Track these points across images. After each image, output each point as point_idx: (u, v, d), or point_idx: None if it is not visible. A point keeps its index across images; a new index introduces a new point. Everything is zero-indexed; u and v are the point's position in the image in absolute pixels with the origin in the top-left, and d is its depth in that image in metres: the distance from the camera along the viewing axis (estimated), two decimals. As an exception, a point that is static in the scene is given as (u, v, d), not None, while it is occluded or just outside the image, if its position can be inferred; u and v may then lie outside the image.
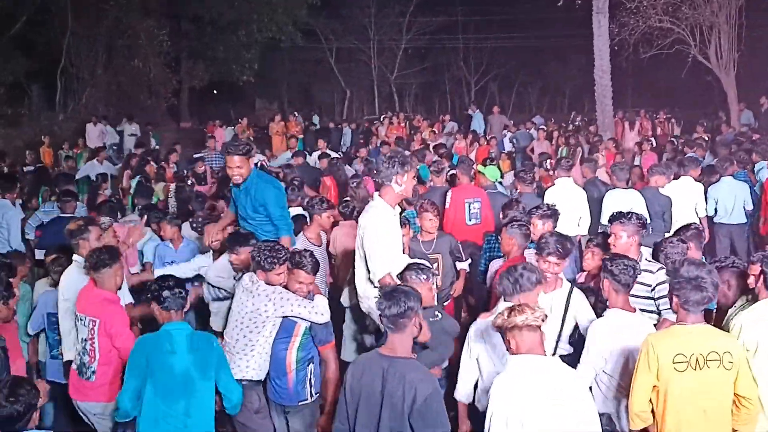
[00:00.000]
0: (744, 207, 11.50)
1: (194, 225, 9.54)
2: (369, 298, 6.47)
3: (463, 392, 5.85)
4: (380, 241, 6.41)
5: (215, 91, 38.03)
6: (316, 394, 6.15)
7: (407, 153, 6.94)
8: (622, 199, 10.18)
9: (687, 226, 7.53)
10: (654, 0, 22.70)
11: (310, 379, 6.10)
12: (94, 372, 6.15)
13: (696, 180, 11.50)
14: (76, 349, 6.38)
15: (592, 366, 5.45)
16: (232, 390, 5.52)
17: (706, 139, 18.24)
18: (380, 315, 4.80)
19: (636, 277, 5.72)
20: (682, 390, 4.67)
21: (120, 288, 6.47)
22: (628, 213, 6.70)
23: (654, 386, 4.76)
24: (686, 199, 11.05)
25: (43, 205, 11.75)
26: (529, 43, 38.66)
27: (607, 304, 5.68)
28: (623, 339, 5.40)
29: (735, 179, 11.64)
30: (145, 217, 9.21)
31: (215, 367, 5.39)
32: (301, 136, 24.34)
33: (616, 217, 6.67)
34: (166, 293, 5.33)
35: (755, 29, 24.59)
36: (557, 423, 4.36)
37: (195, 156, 17.47)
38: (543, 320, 4.56)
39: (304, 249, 6.55)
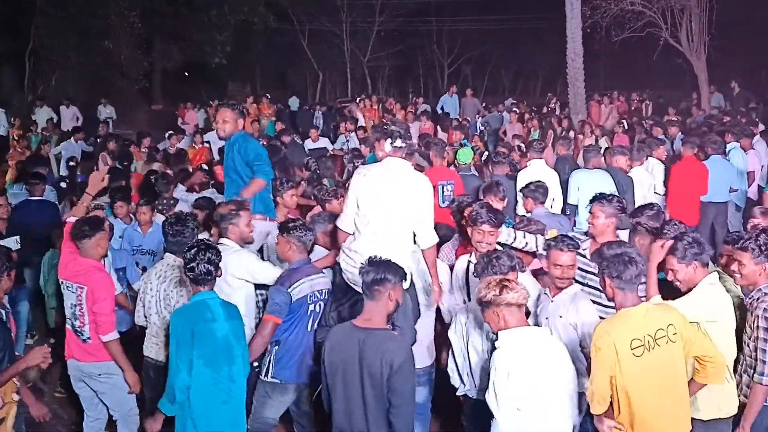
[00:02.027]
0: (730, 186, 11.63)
1: (160, 207, 9.42)
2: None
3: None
4: (432, 208, 6.20)
5: (187, 73, 37.75)
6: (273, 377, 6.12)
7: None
8: (587, 180, 10.27)
9: (648, 206, 7.50)
10: (626, -17, 22.82)
11: (269, 360, 6.12)
12: (88, 336, 6.34)
13: (662, 161, 11.58)
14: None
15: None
16: (247, 359, 5.61)
17: (676, 120, 18.36)
18: (361, 281, 4.96)
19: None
20: (640, 374, 4.64)
21: (105, 256, 6.84)
22: (611, 195, 6.68)
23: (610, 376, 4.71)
24: (648, 179, 11.17)
25: (12, 187, 11.63)
26: (502, 26, 38.77)
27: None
28: None
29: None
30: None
31: (243, 336, 5.52)
32: (273, 119, 24.19)
33: (598, 198, 6.61)
34: (197, 266, 5.27)
35: (726, 13, 24.75)
36: (554, 385, 4.67)
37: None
38: (526, 298, 4.77)
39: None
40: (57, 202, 11.10)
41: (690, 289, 5.26)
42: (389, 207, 6.01)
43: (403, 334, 5.84)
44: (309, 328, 6.15)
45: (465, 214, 7.20)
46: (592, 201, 6.67)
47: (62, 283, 6.49)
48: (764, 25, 30.42)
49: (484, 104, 26.50)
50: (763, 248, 5.25)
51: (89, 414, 6.75)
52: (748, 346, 5.24)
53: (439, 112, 23.83)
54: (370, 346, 4.78)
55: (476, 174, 11.44)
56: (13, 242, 8.27)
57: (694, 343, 4.78)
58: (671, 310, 4.85)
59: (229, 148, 7.70)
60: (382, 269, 4.91)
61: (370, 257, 5.10)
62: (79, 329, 6.37)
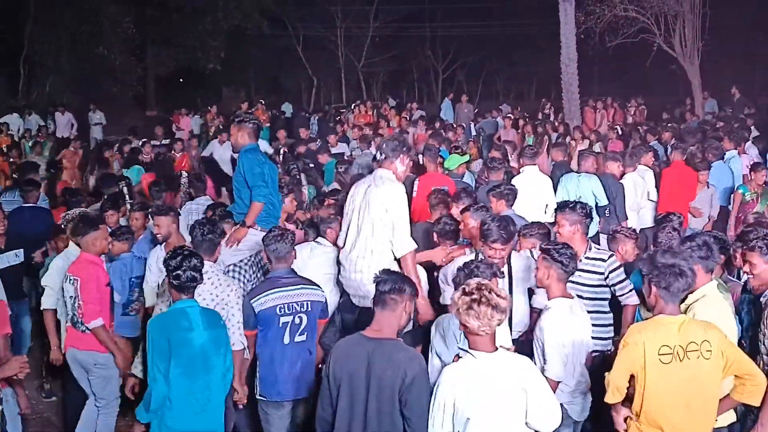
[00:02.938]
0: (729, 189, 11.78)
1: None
2: (362, 272, 6.34)
3: None
4: (406, 215, 6.36)
5: (181, 79, 37.72)
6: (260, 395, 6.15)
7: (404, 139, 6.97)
8: (573, 184, 10.43)
9: (537, 224, 7.55)
10: (620, -11, 22.89)
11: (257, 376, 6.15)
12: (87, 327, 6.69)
13: (650, 167, 11.70)
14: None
15: (559, 357, 5.44)
16: (230, 368, 5.53)
17: (671, 125, 18.42)
18: (375, 291, 4.82)
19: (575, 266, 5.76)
20: (666, 382, 4.62)
21: (106, 252, 7.20)
22: (572, 202, 6.76)
23: (631, 374, 4.71)
24: (641, 185, 11.22)
25: (5, 194, 11.59)
26: (496, 31, 38.74)
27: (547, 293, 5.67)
28: (573, 327, 5.48)
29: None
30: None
31: (225, 344, 5.44)
32: (267, 125, 24.18)
33: (561, 206, 6.73)
34: (184, 272, 5.24)
35: (719, 18, 24.83)
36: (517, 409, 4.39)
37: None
38: (490, 330, 4.40)
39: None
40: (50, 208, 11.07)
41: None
42: (360, 217, 6.23)
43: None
44: (287, 341, 6.01)
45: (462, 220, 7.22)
46: (556, 210, 6.80)
47: (66, 277, 6.87)
48: (756, 31, 30.58)
49: (477, 110, 26.55)
50: None
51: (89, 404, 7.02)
52: (765, 344, 5.22)
53: (444, 119, 23.83)
54: (379, 357, 4.61)
55: (469, 180, 11.45)
56: (13, 256, 8.26)
57: (735, 362, 4.73)
58: (712, 328, 4.78)
59: (237, 161, 7.79)
60: (399, 279, 4.84)
61: (385, 269, 5.08)
62: (78, 320, 6.72)
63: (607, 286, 6.40)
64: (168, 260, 5.32)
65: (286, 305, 5.99)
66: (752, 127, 17.79)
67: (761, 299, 5.36)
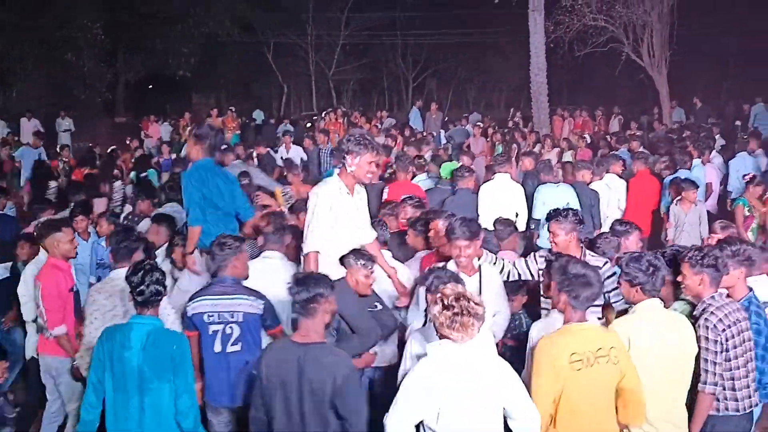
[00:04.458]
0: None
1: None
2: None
3: None
4: (318, 217, 6.26)
5: (151, 86, 37.48)
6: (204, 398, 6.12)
7: (372, 138, 6.65)
8: (552, 194, 10.35)
9: (620, 221, 7.65)
10: (589, -2, 23.09)
11: None
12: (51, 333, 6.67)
13: (619, 176, 11.76)
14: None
15: None
16: (184, 402, 5.08)
17: (639, 134, 18.59)
18: (293, 301, 4.85)
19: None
20: (578, 389, 4.70)
21: (74, 257, 7.14)
22: (564, 210, 6.67)
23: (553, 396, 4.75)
24: (606, 194, 11.30)
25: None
26: (467, 40, 38.92)
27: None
28: None
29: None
30: None
31: (172, 370, 5.05)
32: (238, 132, 24.16)
33: (552, 215, 6.65)
34: (147, 288, 5.10)
35: (687, 28, 25.13)
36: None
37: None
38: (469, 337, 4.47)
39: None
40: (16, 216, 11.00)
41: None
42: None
43: (364, 343, 5.96)
44: (218, 349, 5.86)
45: (431, 227, 7.26)
46: (548, 219, 6.72)
47: (34, 282, 6.85)
48: (724, 41, 30.97)
49: (446, 118, 26.62)
50: (699, 259, 5.34)
51: (50, 408, 7.08)
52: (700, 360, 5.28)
53: (413, 127, 23.85)
54: (310, 362, 4.67)
55: (441, 188, 11.45)
56: (1, 270, 8.24)
57: (625, 374, 4.82)
58: (615, 335, 4.92)
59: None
60: (312, 286, 4.82)
61: (295, 274, 5.08)
62: (43, 326, 6.71)
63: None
64: (130, 277, 5.17)
65: (216, 314, 5.85)
66: (717, 136, 18.05)
67: (694, 313, 5.41)
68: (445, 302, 4.42)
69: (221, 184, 7.32)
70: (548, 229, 6.73)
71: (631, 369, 4.86)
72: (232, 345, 5.89)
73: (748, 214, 10.45)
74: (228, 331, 5.88)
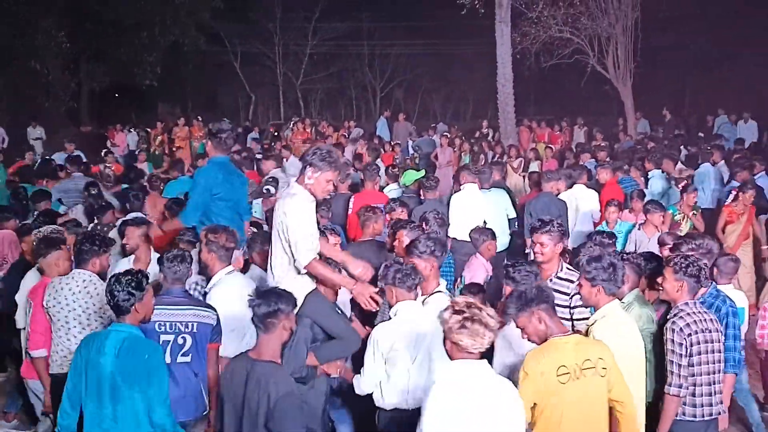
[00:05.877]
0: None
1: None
2: (281, 284, 6.02)
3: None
4: (303, 228, 6.09)
5: (116, 95, 37.16)
6: None
7: (337, 157, 6.49)
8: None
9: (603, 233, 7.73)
10: (554, 11, 23.28)
11: None
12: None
13: (587, 186, 11.87)
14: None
15: None
16: (159, 415, 4.98)
17: (604, 145, 18.76)
18: (252, 314, 4.79)
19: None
20: (564, 401, 4.66)
21: (66, 275, 6.79)
22: (549, 220, 6.51)
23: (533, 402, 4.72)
24: (573, 204, 11.38)
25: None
26: (434, 50, 39.07)
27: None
28: None
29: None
30: None
31: (145, 379, 4.95)
32: (204, 141, 23.99)
33: (539, 226, 6.44)
34: (122, 294, 5.00)
35: (651, 41, 25.46)
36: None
37: None
38: (482, 348, 4.36)
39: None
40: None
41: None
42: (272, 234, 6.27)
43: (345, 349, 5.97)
44: (168, 360, 5.67)
45: (397, 237, 7.29)
46: (533, 231, 6.55)
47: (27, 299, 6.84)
48: (687, 53, 31.37)
49: (414, 128, 26.70)
50: (684, 267, 5.42)
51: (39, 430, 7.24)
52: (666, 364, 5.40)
53: (381, 137, 23.89)
54: (253, 379, 4.66)
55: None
56: None
57: (615, 384, 4.82)
58: (605, 347, 4.87)
59: None
60: (273, 300, 4.78)
61: (257, 288, 5.06)
62: (25, 345, 6.76)
63: (569, 307, 6.20)
64: (108, 285, 5.11)
65: (167, 323, 5.76)
66: (682, 147, 18.29)
67: (668, 317, 5.49)
68: (456, 308, 4.33)
69: (236, 181, 7.62)
70: (533, 240, 6.55)
71: (620, 381, 4.84)
72: (183, 356, 5.82)
73: (677, 221, 10.84)
74: (179, 341, 5.81)
